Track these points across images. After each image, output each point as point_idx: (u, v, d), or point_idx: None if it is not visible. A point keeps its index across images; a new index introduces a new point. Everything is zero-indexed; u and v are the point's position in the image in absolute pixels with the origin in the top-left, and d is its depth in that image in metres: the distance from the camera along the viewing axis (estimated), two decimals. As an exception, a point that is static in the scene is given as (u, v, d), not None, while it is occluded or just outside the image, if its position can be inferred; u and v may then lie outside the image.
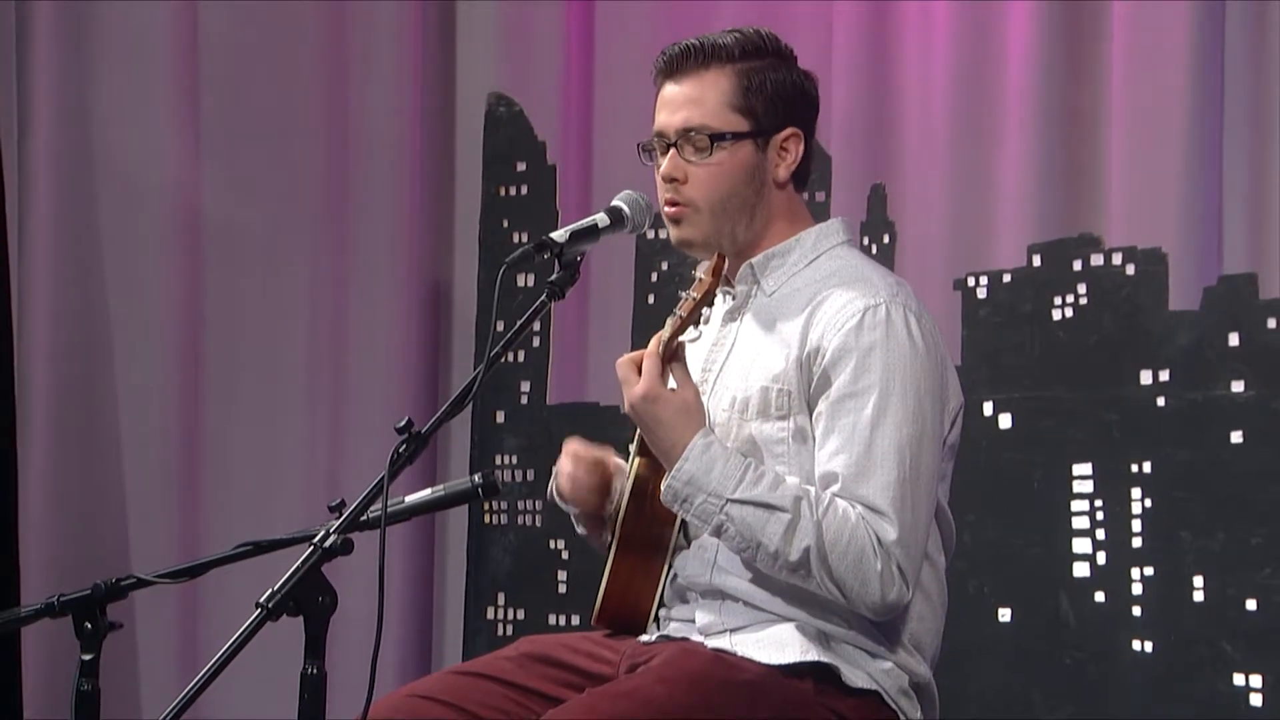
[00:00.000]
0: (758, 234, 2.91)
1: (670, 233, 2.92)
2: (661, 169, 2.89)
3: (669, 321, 2.81)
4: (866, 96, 4.36)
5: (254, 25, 4.98)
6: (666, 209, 2.90)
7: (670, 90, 2.90)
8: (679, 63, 2.89)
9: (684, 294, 2.82)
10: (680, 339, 2.80)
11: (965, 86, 4.28)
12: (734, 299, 2.94)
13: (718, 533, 2.79)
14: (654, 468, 2.86)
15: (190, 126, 4.99)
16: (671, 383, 2.81)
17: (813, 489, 2.78)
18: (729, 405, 2.88)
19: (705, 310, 2.82)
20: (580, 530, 3.05)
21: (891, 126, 4.37)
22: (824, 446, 2.81)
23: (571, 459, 2.98)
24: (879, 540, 2.75)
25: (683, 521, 2.88)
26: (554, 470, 3.02)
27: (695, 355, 2.93)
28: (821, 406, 2.81)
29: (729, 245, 2.90)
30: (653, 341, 2.81)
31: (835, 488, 2.79)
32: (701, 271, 2.84)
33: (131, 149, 4.96)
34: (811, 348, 2.82)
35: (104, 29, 4.94)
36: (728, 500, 2.77)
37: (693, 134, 2.87)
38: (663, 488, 2.80)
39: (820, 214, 4.09)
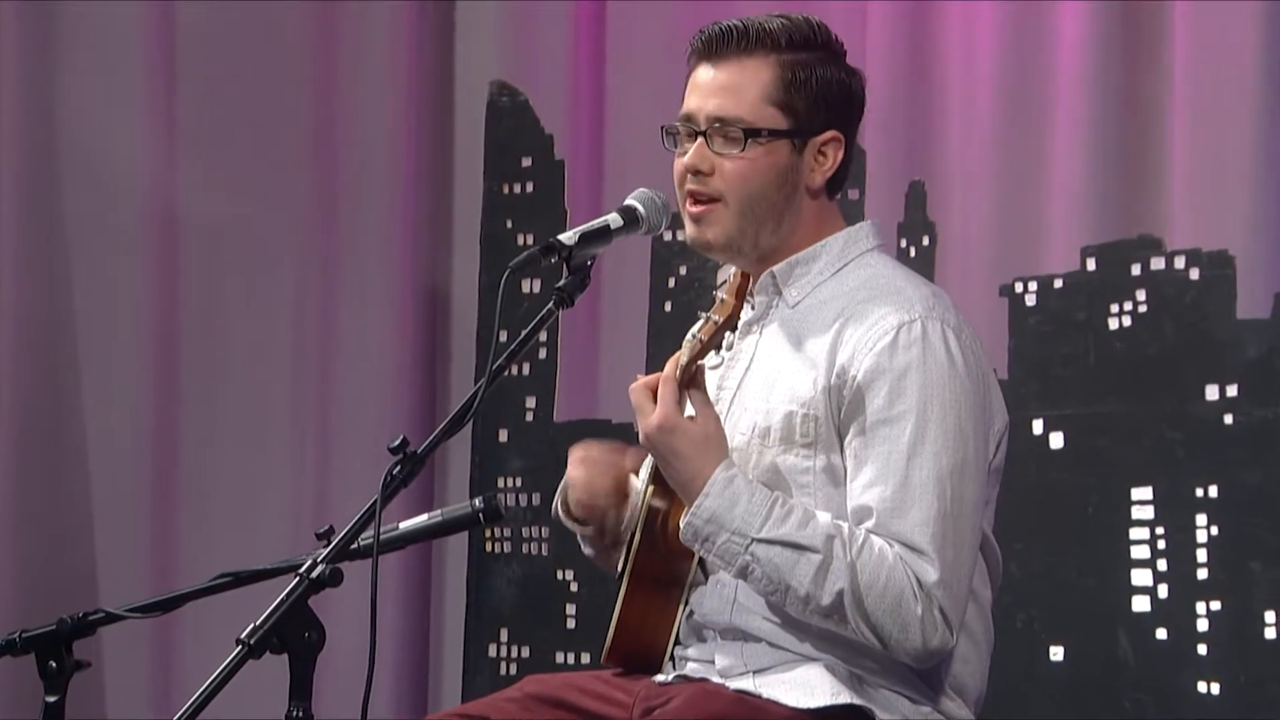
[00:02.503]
0: (783, 241, 2.91)
1: (687, 231, 2.91)
2: (686, 158, 2.88)
3: (687, 344, 2.81)
4: (905, 83, 4.36)
5: (234, 9, 4.99)
6: (689, 204, 2.89)
7: (706, 73, 2.89)
8: (719, 44, 2.88)
9: (704, 315, 2.82)
10: (700, 363, 2.79)
11: (1013, 73, 4.28)
12: (752, 309, 2.93)
13: (743, 574, 2.79)
14: (668, 498, 2.87)
15: (166, 120, 5.00)
16: (690, 410, 2.80)
17: (845, 525, 2.78)
18: (749, 430, 2.87)
19: (728, 335, 2.82)
20: (587, 551, 3.04)
21: (932, 117, 4.37)
22: (857, 478, 2.80)
23: (584, 464, 2.97)
24: (919, 582, 2.74)
25: (700, 556, 2.87)
26: (561, 485, 3.01)
27: (709, 374, 2.92)
28: (853, 434, 2.81)
29: (750, 251, 2.90)
30: (669, 365, 2.81)
31: (869, 523, 2.78)
32: (724, 291, 2.83)
33: (102, 144, 4.98)
34: (841, 369, 2.82)
35: (71, 17, 4.95)
36: (753, 539, 2.76)
37: (726, 125, 2.86)
38: (682, 525, 2.80)
39: (854, 213, 4.10)
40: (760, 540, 2.76)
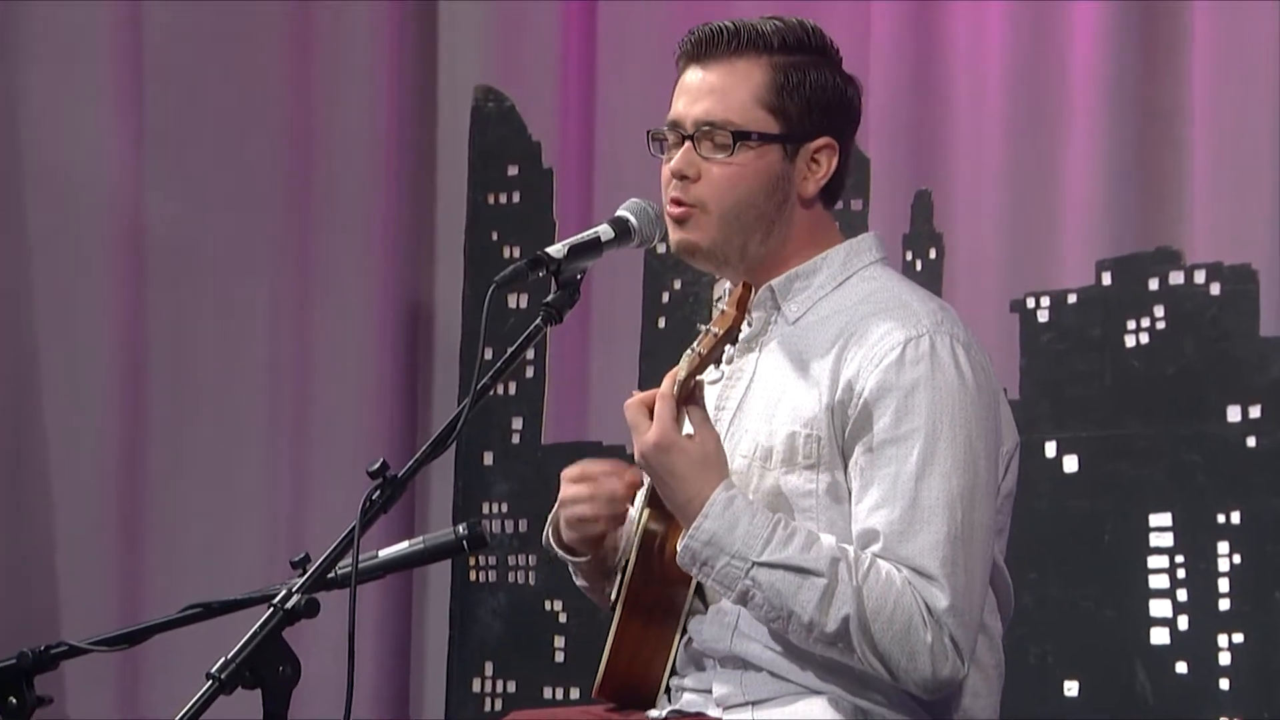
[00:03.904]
0: (773, 253, 2.91)
1: (670, 235, 2.91)
2: (672, 163, 2.89)
3: (685, 358, 2.81)
4: (910, 87, 4.37)
5: (204, 10, 4.99)
6: (670, 209, 2.90)
7: (694, 76, 2.90)
8: (708, 46, 2.89)
9: (703, 327, 2.82)
10: (698, 378, 2.79)
11: (1024, 76, 4.28)
12: (750, 326, 2.94)
13: (743, 600, 2.79)
14: (665, 520, 2.87)
15: (133, 125, 5.00)
16: (688, 427, 2.81)
17: (851, 549, 2.78)
18: (749, 451, 2.87)
19: (728, 348, 2.82)
20: (580, 582, 3.04)
21: (939, 123, 4.37)
22: (863, 500, 2.80)
23: (581, 481, 2.92)
24: (928, 608, 2.75)
25: (698, 582, 2.87)
26: (552, 513, 3.00)
27: (707, 391, 2.93)
28: (859, 454, 2.81)
29: (736, 261, 2.91)
30: (666, 381, 2.81)
31: (876, 547, 2.78)
32: (724, 303, 2.84)
33: (66, 150, 4.97)
34: (845, 387, 2.83)
35: (34, 17, 4.95)
36: (754, 563, 2.76)
37: (714, 128, 2.87)
38: (679, 549, 2.80)
39: (858, 224, 4.12)
40: (761, 564, 2.76)
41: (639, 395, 2.82)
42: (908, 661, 2.75)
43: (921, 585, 2.75)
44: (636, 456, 2.81)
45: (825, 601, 2.74)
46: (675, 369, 2.82)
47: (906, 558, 2.76)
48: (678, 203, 2.89)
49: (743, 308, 2.83)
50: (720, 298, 2.96)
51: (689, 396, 2.80)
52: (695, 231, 2.89)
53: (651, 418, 2.79)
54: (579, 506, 2.93)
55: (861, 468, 2.81)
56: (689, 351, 2.82)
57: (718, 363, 2.83)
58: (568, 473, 2.96)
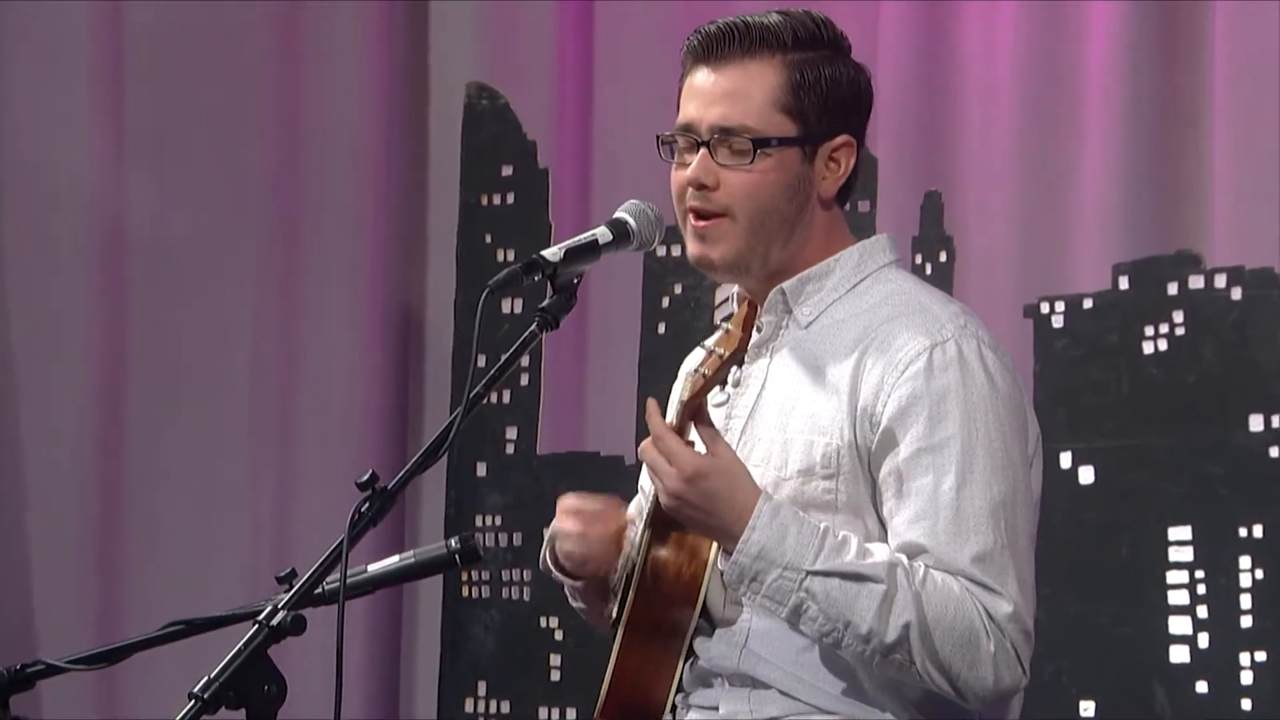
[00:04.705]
0: (792, 256, 2.90)
1: (690, 249, 2.88)
2: (689, 172, 2.86)
3: (689, 380, 2.80)
4: (920, 86, 4.37)
5: (187, 9, 4.99)
6: (694, 221, 2.87)
7: (705, 78, 2.87)
8: (718, 45, 2.87)
9: (706, 347, 2.81)
10: (702, 400, 2.77)
11: (1037, 74, 4.28)
12: (759, 330, 2.92)
13: (795, 615, 2.75)
14: (667, 542, 2.85)
15: (114, 127, 5.01)
16: (699, 447, 2.78)
17: (904, 556, 2.76)
18: (763, 460, 2.85)
19: (734, 370, 2.81)
20: (577, 604, 3.03)
21: (949, 122, 4.37)
22: (900, 512, 2.78)
23: (577, 517, 2.93)
24: (989, 615, 2.73)
25: (703, 603, 2.86)
26: (547, 535, 2.99)
27: (713, 397, 2.91)
28: (891, 466, 2.79)
29: (759, 269, 2.89)
30: (654, 418, 2.77)
31: (925, 559, 2.76)
32: (729, 322, 2.83)
33: (44, 153, 4.99)
34: (868, 398, 2.81)
35: (13, 17, 4.95)
36: (808, 573, 2.73)
37: (731, 135, 2.85)
38: (726, 568, 2.77)
39: (865, 226, 4.10)
40: (816, 573, 2.73)
41: (647, 440, 2.79)
42: (969, 671, 2.73)
43: (980, 592, 2.74)
44: (666, 499, 2.76)
45: (885, 609, 2.72)
46: (654, 402, 2.78)
47: (958, 569, 2.74)
48: (700, 214, 2.86)
49: (749, 329, 2.82)
50: (724, 302, 2.94)
51: (694, 415, 2.77)
52: (719, 246, 2.86)
53: (668, 457, 2.75)
54: (569, 544, 2.92)
55: (895, 479, 2.79)
56: (694, 372, 2.79)
57: (723, 384, 2.82)
58: (563, 503, 2.95)
